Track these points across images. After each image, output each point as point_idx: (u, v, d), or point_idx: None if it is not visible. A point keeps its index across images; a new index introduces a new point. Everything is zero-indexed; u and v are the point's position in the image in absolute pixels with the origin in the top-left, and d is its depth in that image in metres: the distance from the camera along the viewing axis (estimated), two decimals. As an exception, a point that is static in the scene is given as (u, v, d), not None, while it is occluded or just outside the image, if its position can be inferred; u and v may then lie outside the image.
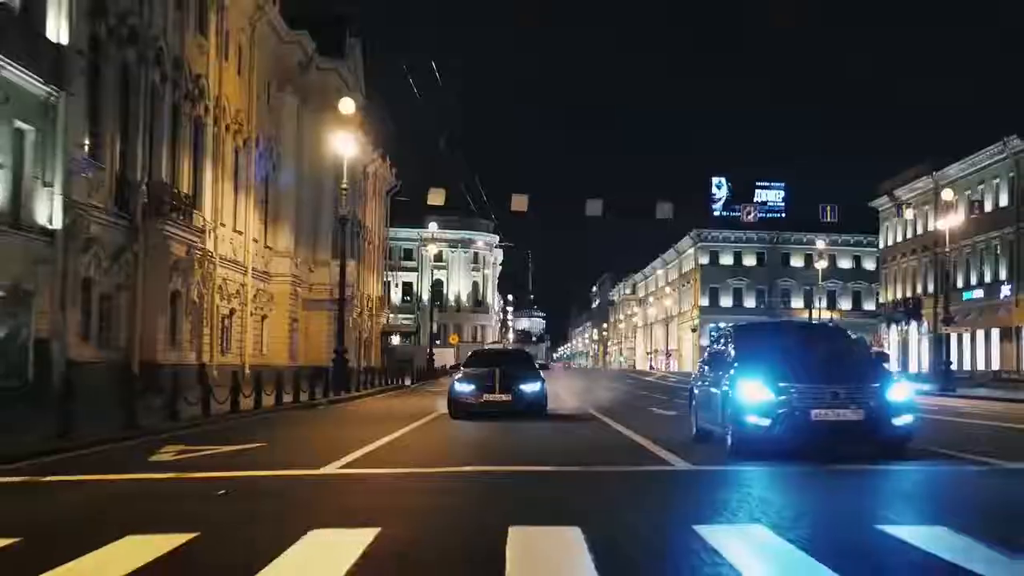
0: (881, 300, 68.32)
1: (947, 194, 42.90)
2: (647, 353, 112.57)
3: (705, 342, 74.74)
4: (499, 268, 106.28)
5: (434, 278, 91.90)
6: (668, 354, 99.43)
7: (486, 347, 33.87)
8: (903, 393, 9.24)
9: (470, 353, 24.36)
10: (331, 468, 8.84)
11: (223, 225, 30.83)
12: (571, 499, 6.97)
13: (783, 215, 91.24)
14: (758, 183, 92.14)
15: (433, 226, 66.97)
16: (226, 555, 4.93)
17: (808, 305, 79.37)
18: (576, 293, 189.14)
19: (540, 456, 10.05)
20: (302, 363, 34.96)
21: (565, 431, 14.28)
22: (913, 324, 58.89)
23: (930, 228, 54.77)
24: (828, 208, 46.49)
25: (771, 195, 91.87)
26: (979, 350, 50.87)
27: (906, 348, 59.95)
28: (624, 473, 8.84)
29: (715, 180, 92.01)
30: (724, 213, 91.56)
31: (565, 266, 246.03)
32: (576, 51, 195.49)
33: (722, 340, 11.48)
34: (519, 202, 33.73)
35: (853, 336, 14.19)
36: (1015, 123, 47.07)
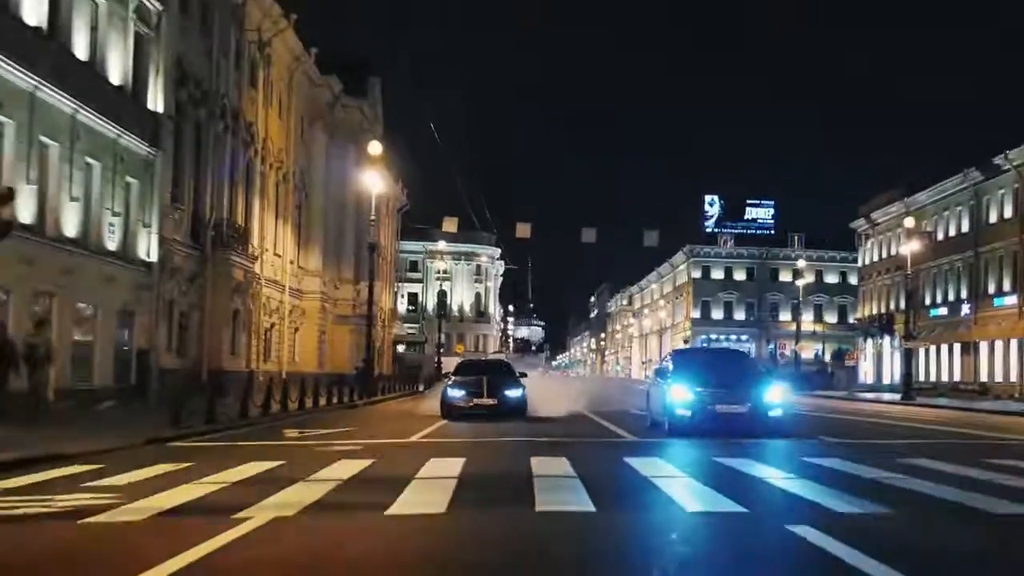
0: (858, 315, 73.49)
1: (909, 222, 47.93)
2: (642, 362, 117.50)
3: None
4: (500, 279, 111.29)
5: (439, 289, 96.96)
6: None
7: (471, 358, 38.48)
8: (776, 395, 14.37)
9: (458, 363, 27.98)
10: (415, 438, 13.90)
11: (266, 250, 35.90)
12: (563, 448, 12.01)
13: (772, 232, 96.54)
14: (748, 201, 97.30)
15: (441, 243, 72.25)
16: (396, 468, 9.89)
17: (795, 318, 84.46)
18: (575, 303, 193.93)
19: (544, 433, 15.10)
20: (328, 370, 39.93)
21: (560, 422, 19.23)
22: (887, 338, 63.92)
23: (902, 251, 59.94)
24: (797, 237, 51.34)
25: (761, 212, 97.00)
26: (943, 363, 55.94)
27: (880, 360, 65.03)
28: (595, 441, 14.05)
29: (707, 198, 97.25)
30: (716, 230, 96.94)
31: (564, 276, 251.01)
32: (576, 50, 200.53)
33: (666, 360, 16.75)
34: (523, 230, 38.80)
35: (752, 357, 19.65)
36: (976, 154, 52.23)
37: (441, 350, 71.39)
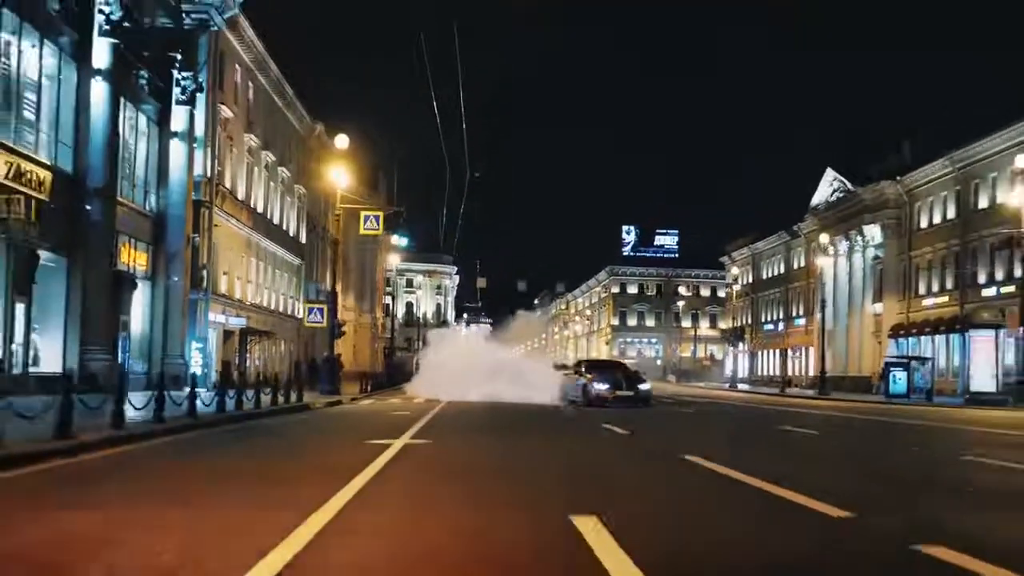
0: (723, 326, 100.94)
1: (735, 270, 75.00)
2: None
3: (616, 352, 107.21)
4: (455, 290, 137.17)
5: (407, 301, 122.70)
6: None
7: (592, 358, 51.31)
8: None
9: (582, 361, 36.54)
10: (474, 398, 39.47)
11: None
12: (517, 418, 37.61)
13: (676, 255, 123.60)
14: (658, 231, 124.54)
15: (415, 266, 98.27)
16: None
17: (694, 324, 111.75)
18: (521, 303, 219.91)
19: (505, 416, 40.70)
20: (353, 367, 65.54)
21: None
22: (741, 344, 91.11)
23: (748, 281, 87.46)
24: (678, 277, 77.98)
25: (667, 240, 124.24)
26: (770, 363, 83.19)
27: (736, 360, 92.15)
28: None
29: (625, 228, 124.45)
30: (632, 253, 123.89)
31: (512, 281, 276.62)
32: (514, 77, 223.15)
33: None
34: (481, 281, 64.99)
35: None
36: (788, 220, 79.09)
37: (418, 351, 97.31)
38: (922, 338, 55.24)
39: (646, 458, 12.19)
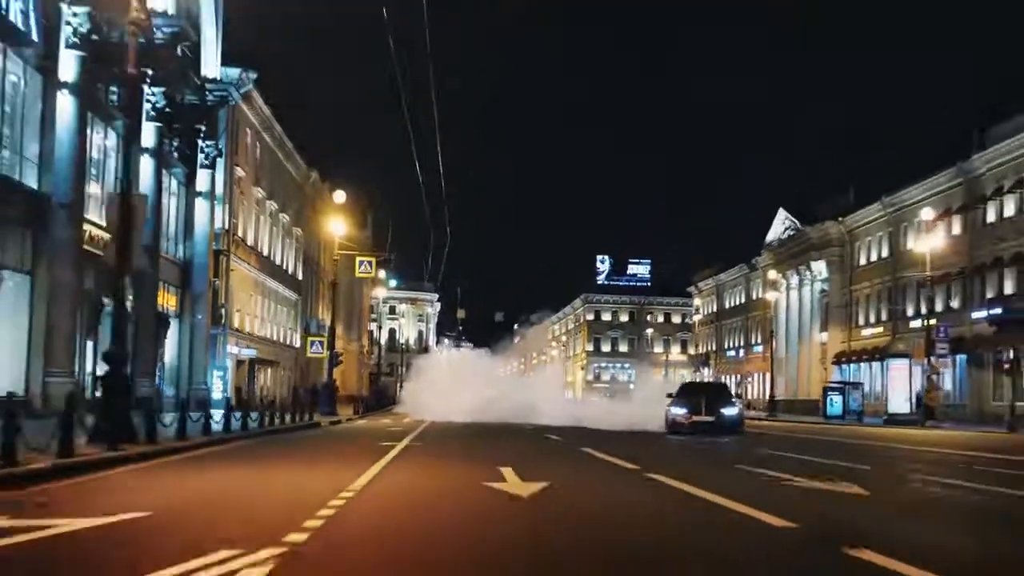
0: (691, 352, 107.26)
1: (697, 301, 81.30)
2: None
3: (591, 377, 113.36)
4: (436, 317, 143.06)
5: (390, 328, 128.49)
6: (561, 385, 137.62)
7: (693, 381, 44.19)
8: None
9: (681, 385, 32.17)
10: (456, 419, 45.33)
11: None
12: (484, 432, 43.57)
13: (648, 283, 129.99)
14: (631, 260, 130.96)
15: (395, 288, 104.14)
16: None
17: (665, 350, 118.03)
18: (502, 327, 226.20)
19: (475, 431, 46.65)
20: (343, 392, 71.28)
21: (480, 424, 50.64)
22: (706, 370, 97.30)
23: (713, 310, 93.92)
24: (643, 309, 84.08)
25: (640, 268, 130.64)
26: (733, 387, 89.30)
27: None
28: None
29: (599, 257, 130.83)
30: (606, 282, 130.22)
31: (492, 306, 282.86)
32: (480, 102, 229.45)
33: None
34: (460, 312, 70.97)
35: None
36: (747, 255, 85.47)
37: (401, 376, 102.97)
38: (861, 365, 61.62)
39: (557, 450, 18.17)
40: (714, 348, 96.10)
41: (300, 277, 57.77)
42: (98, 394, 17.15)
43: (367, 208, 78.71)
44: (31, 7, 24.19)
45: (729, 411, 25.90)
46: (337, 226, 42.01)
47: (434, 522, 7.69)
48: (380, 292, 79.34)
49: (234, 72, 39.29)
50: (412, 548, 6.34)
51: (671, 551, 6.32)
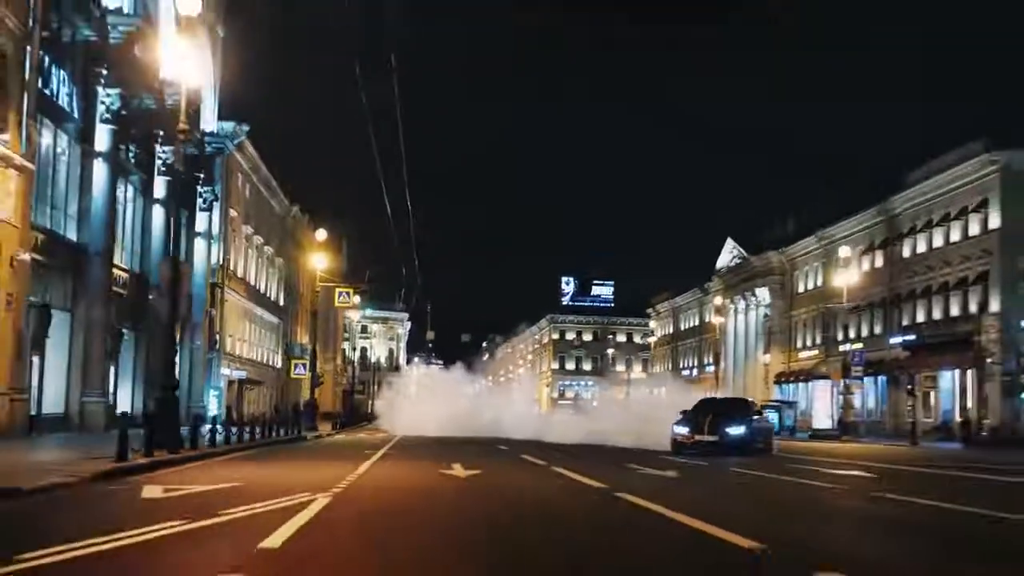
0: (654, 371, 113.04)
1: (652, 323, 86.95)
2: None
3: (555, 395, 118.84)
4: (407, 336, 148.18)
5: (361, 346, 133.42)
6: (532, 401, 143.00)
7: (712, 396, 37.62)
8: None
9: (699, 400, 29.95)
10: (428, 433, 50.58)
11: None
12: (447, 443, 48.94)
13: (612, 304, 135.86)
14: (595, 281, 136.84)
15: (368, 311, 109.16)
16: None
17: (627, 369, 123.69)
18: (470, 346, 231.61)
19: (441, 443, 51.94)
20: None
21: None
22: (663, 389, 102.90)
23: (670, 331, 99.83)
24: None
25: (604, 290, 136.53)
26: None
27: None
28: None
29: (564, 279, 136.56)
30: (571, 303, 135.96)
31: (461, 326, 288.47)
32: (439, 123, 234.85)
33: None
34: (430, 334, 76.24)
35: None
36: (702, 278, 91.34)
37: (373, 393, 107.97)
38: (799, 384, 67.53)
39: (499, 454, 23.59)
40: (670, 367, 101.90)
41: (282, 303, 62.94)
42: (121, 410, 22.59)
43: (342, 236, 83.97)
44: (75, 91, 29.53)
45: (735, 430, 24.10)
46: (319, 261, 47.27)
47: (408, 486, 13.25)
48: (354, 315, 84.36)
49: (229, 126, 44.77)
50: (396, 496, 11.86)
51: (542, 505, 11.77)
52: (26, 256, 23.59)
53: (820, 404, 52.78)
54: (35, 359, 27.09)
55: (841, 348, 61.45)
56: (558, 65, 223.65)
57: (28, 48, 23.86)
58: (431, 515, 10.08)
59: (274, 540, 7.31)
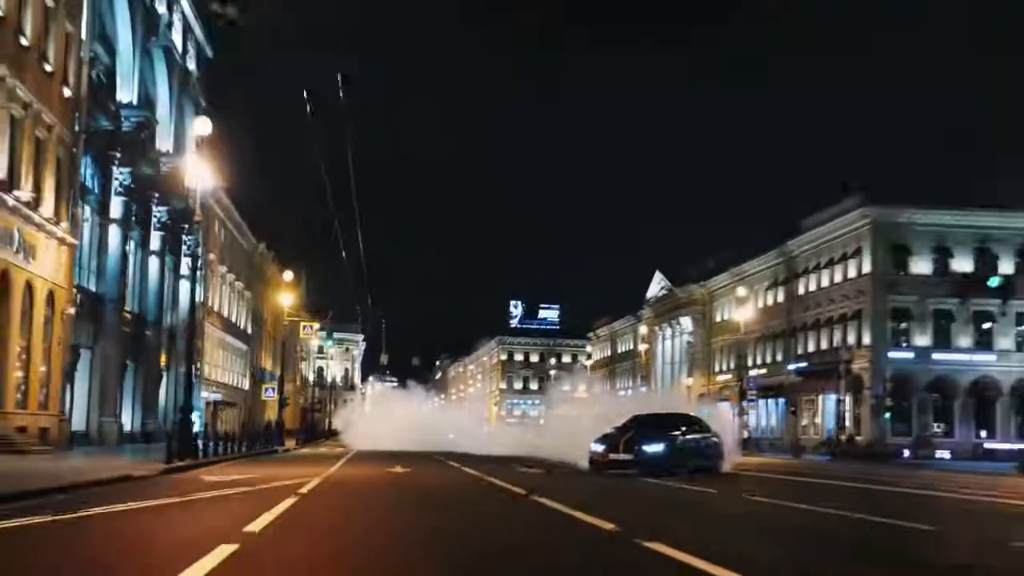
0: (594, 391, 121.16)
1: (591, 347, 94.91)
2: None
3: (503, 413, 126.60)
4: (361, 356, 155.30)
5: (318, 366, 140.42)
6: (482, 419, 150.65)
7: (657, 412, 28.05)
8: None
9: (642, 416, 25.59)
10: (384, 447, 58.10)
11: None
12: (399, 453, 56.58)
13: (558, 327, 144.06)
14: (541, 305, 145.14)
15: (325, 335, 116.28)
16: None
17: (572, 388, 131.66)
18: (422, 366, 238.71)
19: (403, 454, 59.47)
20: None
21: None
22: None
23: (609, 353, 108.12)
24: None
25: (550, 313, 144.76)
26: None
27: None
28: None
29: (512, 302, 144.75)
30: (519, 325, 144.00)
31: (413, 348, 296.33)
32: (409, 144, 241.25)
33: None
34: (384, 358, 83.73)
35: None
36: (635, 305, 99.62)
37: (330, 411, 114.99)
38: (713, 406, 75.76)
39: (433, 461, 31.34)
40: (608, 388, 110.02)
41: (249, 331, 70.25)
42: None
43: (302, 270, 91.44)
44: (96, 171, 37.07)
45: (652, 448, 22.45)
46: (285, 299, 54.86)
47: (364, 478, 21.06)
48: (314, 342, 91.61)
49: (210, 181, 52.14)
50: (357, 482, 19.75)
51: (444, 485, 19.56)
52: (72, 311, 31.05)
53: (725, 423, 60.95)
54: (68, 388, 34.58)
55: (751, 373, 69.92)
56: (504, 87, 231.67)
57: (75, 150, 31.38)
58: (375, 488, 17.98)
59: (304, 490, 15.27)
